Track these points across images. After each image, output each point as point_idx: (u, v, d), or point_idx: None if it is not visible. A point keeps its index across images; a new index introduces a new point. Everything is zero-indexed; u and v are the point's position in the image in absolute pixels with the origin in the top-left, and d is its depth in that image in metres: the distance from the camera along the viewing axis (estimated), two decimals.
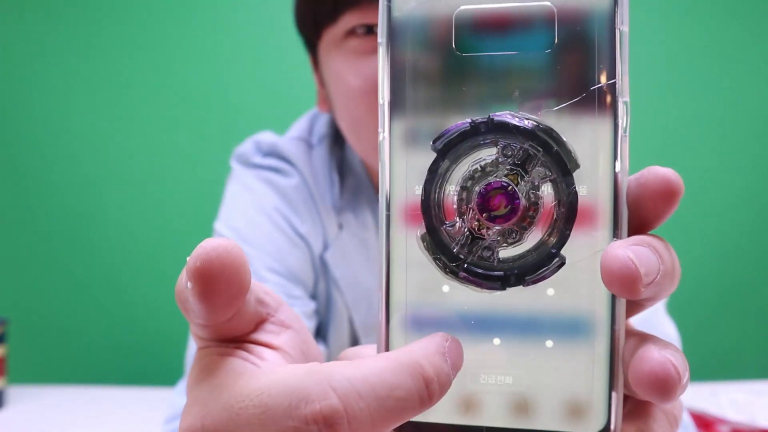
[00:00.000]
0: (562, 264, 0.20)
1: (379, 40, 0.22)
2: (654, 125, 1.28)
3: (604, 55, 0.20)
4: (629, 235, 0.20)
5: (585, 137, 0.20)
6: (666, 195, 0.20)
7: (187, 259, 0.19)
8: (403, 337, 0.21)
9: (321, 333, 0.70)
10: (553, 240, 0.20)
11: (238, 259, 0.19)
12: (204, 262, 0.18)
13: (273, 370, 0.18)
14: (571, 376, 0.20)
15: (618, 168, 0.20)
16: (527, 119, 0.20)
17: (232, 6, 1.32)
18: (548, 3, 0.20)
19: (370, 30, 0.58)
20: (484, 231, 0.20)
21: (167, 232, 1.31)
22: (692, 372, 0.22)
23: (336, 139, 0.71)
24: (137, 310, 1.32)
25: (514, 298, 0.20)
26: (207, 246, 0.18)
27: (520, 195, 0.20)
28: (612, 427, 0.20)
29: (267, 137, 0.72)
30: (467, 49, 0.21)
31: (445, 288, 0.21)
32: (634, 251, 0.18)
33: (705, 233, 1.31)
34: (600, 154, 0.20)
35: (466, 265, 0.21)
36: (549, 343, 0.20)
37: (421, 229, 0.21)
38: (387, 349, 0.21)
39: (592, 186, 0.20)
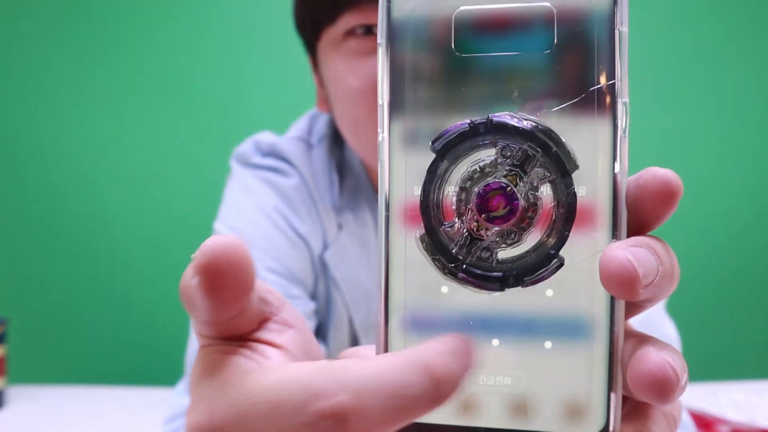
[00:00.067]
0: (561, 265, 0.20)
1: (379, 40, 0.22)
2: (653, 126, 1.28)
3: (604, 55, 0.20)
4: (628, 236, 0.20)
5: (584, 138, 0.20)
6: (665, 196, 0.20)
7: (194, 255, 0.19)
8: (402, 338, 0.21)
9: (321, 333, 0.70)
10: (551, 241, 0.20)
11: (244, 256, 0.19)
12: (211, 258, 0.18)
13: (282, 367, 0.19)
14: (569, 377, 0.20)
15: (617, 169, 0.20)
16: (526, 120, 0.20)
17: (231, 7, 1.32)
18: (547, 4, 0.20)
19: (370, 30, 0.58)
20: (482, 232, 0.20)
21: (167, 232, 1.31)
22: (692, 372, 0.22)
23: (335, 139, 0.71)
24: (137, 310, 1.32)
25: (513, 299, 0.20)
26: (214, 242, 0.19)
27: (518, 196, 0.20)
28: (611, 428, 0.20)
29: (266, 137, 0.72)
30: (466, 49, 0.21)
31: (444, 289, 0.21)
32: (633, 253, 0.18)
33: (705, 233, 1.31)
34: (599, 154, 0.20)
35: (464, 266, 0.21)
36: (548, 344, 0.20)
37: (420, 230, 0.21)
38: (386, 349, 0.21)
39: (591, 187, 0.20)
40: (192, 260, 0.19)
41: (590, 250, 0.20)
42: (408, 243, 0.21)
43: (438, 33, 0.21)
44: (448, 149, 0.21)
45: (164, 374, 1.06)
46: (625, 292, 0.18)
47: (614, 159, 0.20)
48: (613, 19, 0.20)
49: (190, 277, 0.19)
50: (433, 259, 0.21)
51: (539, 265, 0.20)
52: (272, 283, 0.63)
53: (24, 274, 1.34)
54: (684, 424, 0.63)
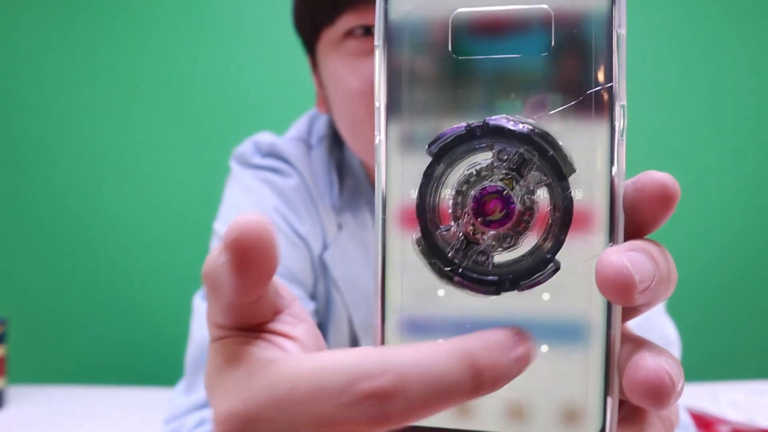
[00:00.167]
0: (557, 269, 0.20)
1: (376, 42, 0.21)
2: (651, 127, 1.28)
3: (602, 58, 0.20)
4: (625, 239, 0.20)
5: (581, 141, 0.20)
6: (663, 200, 0.20)
7: (223, 233, 0.19)
8: (399, 341, 0.21)
9: (320, 333, 0.70)
10: (548, 245, 0.20)
11: (271, 234, 0.19)
12: (241, 234, 0.19)
13: (322, 353, 0.19)
14: (566, 381, 0.20)
15: (614, 172, 0.20)
16: (523, 123, 0.20)
17: (231, 7, 1.32)
18: (545, 6, 0.20)
19: (369, 31, 0.58)
20: (479, 236, 0.20)
21: (167, 232, 1.31)
22: (692, 372, 0.22)
23: (335, 139, 0.71)
24: (137, 311, 1.32)
25: (510, 303, 0.20)
26: (243, 220, 0.19)
27: (515, 200, 0.20)
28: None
29: (266, 138, 0.72)
30: (464, 52, 0.21)
31: (441, 292, 0.21)
32: (629, 257, 0.18)
33: (705, 233, 1.31)
34: (596, 158, 0.20)
35: (460, 270, 0.20)
36: (544, 348, 0.20)
37: (416, 233, 0.21)
38: None
39: (588, 190, 0.20)
40: (222, 238, 0.19)
41: (587, 253, 0.20)
42: (404, 246, 0.21)
43: (435, 35, 0.21)
44: (445, 152, 0.21)
45: (164, 374, 1.06)
46: (622, 297, 0.18)
47: (611, 162, 0.20)
48: (611, 22, 0.20)
49: (216, 258, 0.20)
50: (430, 263, 0.21)
51: (535, 269, 0.20)
52: None
53: (24, 274, 1.34)
54: (684, 424, 0.63)
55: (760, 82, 1.31)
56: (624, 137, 0.20)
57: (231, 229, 0.19)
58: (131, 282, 1.33)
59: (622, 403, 0.21)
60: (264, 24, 1.31)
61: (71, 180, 1.33)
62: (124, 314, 1.33)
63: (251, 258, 0.19)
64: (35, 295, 1.34)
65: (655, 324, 0.66)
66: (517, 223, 0.20)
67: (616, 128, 0.20)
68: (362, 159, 0.69)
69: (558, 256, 0.20)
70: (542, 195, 0.20)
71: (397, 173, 0.21)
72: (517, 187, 0.20)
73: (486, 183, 0.20)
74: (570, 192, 0.20)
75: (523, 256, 0.20)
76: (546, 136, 0.20)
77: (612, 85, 0.20)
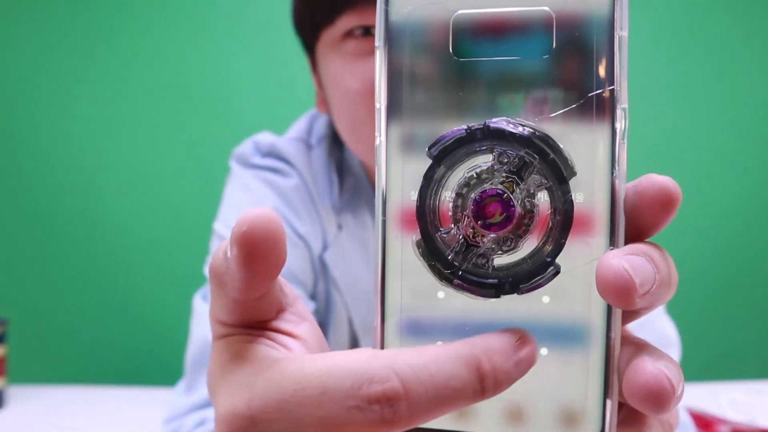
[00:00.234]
0: (557, 273, 0.20)
1: (377, 44, 0.21)
2: (651, 129, 1.28)
3: (603, 60, 0.20)
4: (626, 243, 0.20)
5: (582, 144, 0.20)
6: (664, 203, 0.20)
7: (232, 227, 0.19)
8: (398, 343, 0.21)
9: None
10: (548, 248, 0.20)
11: (280, 229, 0.19)
12: (250, 228, 0.19)
13: (327, 354, 0.19)
14: (565, 384, 0.20)
15: (615, 175, 0.20)
16: (524, 126, 0.20)
17: (231, 7, 1.32)
18: (546, 8, 0.20)
19: (368, 31, 0.57)
20: (479, 238, 0.20)
21: (167, 232, 1.31)
22: (692, 372, 0.22)
23: (335, 139, 0.71)
24: (137, 310, 1.32)
25: (510, 306, 0.20)
26: (252, 213, 0.19)
27: (515, 203, 0.20)
28: None
29: (266, 138, 0.72)
30: (464, 54, 0.21)
31: (441, 294, 0.21)
32: (630, 261, 0.18)
33: (705, 233, 1.31)
34: (597, 161, 0.20)
35: (460, 273, 0.20)
36: (544, 351, 0.20)
37: (416, 235, 0.21)
38: None
39: (589, 194, 0.20)
40: (231, 233, 0.19)
41: (588, 257, 0.20)
42: (404, 248, 0.21)
43: (436, 37, 0.21)
44: (445, 155, 0.21)
45: (164, 374, 1.06)
46: (622, 301, 0.18)
47: (612, 165, 0.20)
48: (613, 24, 0.20)
49: (224, 252, 0.20)
50: (429, 265, 0.21)
51: (535, 273, 0.20)
52: None
53: (24, 274, 1.34)
54: (684, 424, 0.63)
55: (760, 84, 1.31)
56: (625, 140, 0.20)
57: (240, 223, 0.19)
58: (131, 282, 1.33)
59: (622, 406, 0.21)
60: (264, 24, 1.30)
61: (71, 180, 1.33)
62: (124, 314, 1.33)
63: (260, 252, 0.19)
64: (35, 295, 1.33)
65: (656, 324, 0.66)
66: (517, 226, 0.20)
67: (618, 131, 0.20)
68: (362, 159, 0.69)
69: (558, 260, 0.20)
70: (543, 198, 0.20)
71: (398, 175, 0.21)
72: (518, 190, 0.20)
73: (486, 186, 0.20)
74: (570, 195, 0.20)
75: (523, 259, 0.20)
76: (547, 139, 0.20)
77: (613, 88, 0.20)
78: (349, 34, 0.58)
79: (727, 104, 1.31)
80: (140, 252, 1.32)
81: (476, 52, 0.21)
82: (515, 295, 0.20)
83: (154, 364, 1.27)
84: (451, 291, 0.21)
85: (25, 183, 1.33)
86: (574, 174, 0.20)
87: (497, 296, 0.20)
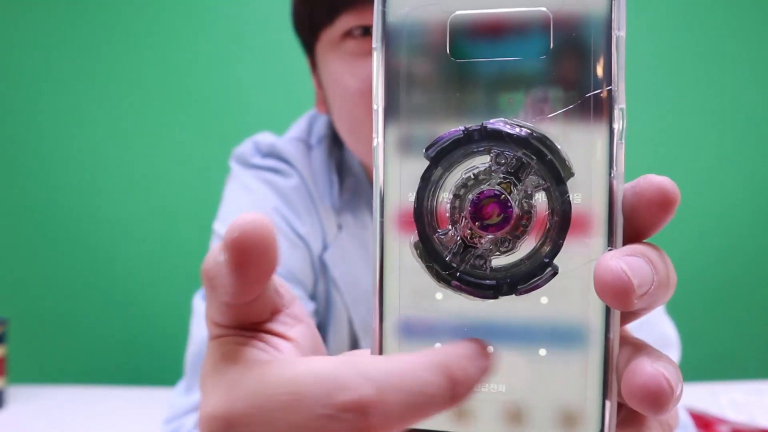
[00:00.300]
0: (555, 273, 0.20)
1: (374, 45, 0.21)
2: (650, 129, 1.28)
3: (601, 60, 0.20)
4: (624, 244, 0.20)
5: (580, 145, 0.20)
6: (662, 204, 0.19)
7: (224, 232, 0.19)
8: (397, 344, 0.21)
9: (320, 333, 0.69)
10: (546, 249, 0.20)
11: (271, 234, 0.19)
12: (240, 234, 0.19)
13: (304, 360, 0.19)
14: (564, 385, 0.20)
15: (613, 176, 0.20)
16: (521, 127, 0.20)
17: (231, 7, 1.32)
18: (544, 9, 0.20)
19: (368, 31, 0.57)
20: (476, 239, 0.20)
21: (167, 232, 1.31)
22: (692, 372, 0.22)
23: (335, 139, 0.71)
24: (137, 310, 1.32)
25: (508, 307, 0.20)
26: (243, 219, 0.19)
27: (512, 204, 0.20)
28: None
29: (266, 138, 0.72)
30: (462, 55, 0.21)
31: (439, 295, 0.21)
32: (628, 262, 0.18)
33: (705, 233, 1.31)
34: (595, 162, 0.20)
35: (458, 274, 0.20)
36: (542, 352, 0.20)
37: (414, 237, 0.21)
38: (380, 355, 0.21)
39: (586, 194, 0.20)
40: (222, 238, 0.19)
41: (585, 257, 0.20)
42: (402, 249, 0.21)
43: (433, 38, 0.21)
44: (442, 156, 0.21)
45: (164, 374, 1.06)
46: (620, 302, 0.18)
47: (611, 166, 0.20)
48: (610, 24, 0.20)
49: (215, 256, 0.20)
50: (427, 266, 0.21)
51: (533, 274, 0.20)
52: None
53: (24, 274, 1.34)
54: (684, 424, 0.63)
55: (759, 84, 1.31)
56: (623, 140, 0.20)
57: (231, 229, 0.19)
58: (131, 282, 1.33)
59: (621, 406, 0.21)
60: (263, 24, 1.30)
61: (71, 180, 1.33)
62: (125, 314, 1.33)
63: (250, 257, 0.19)
64: (35, 295, 1.34)
65: (655, 325, 0.66)
66: (514, 227, 0.20)
67: (615, 131, 0.20)
68: (362, 159, 0.69)
69: (556, 260, 0.20)
70: (540, 199, 0.20)
71: (395, 176, 0.21)
72: (515, 191, 0.20)
73: (484, 187, 0.20)
74: (568, 196, 0.20)
75: (521, 260, 0.20)
76: (544, 140, 0.20)
77: (611, 88, 0.20)
78: (348, 34, 0.58)
79: (726, 104, 1.31)
80: (140, 252, 1.32)
81: (474, 52, 0.21)
82: (513, 296, 0.20)
83: (154, 364, 1.27)
84: (449, 292, 0.21)
85: (26, 183, 1.33)
86: (571, 174, 0.20)
87: (495, 297, 0.20)
